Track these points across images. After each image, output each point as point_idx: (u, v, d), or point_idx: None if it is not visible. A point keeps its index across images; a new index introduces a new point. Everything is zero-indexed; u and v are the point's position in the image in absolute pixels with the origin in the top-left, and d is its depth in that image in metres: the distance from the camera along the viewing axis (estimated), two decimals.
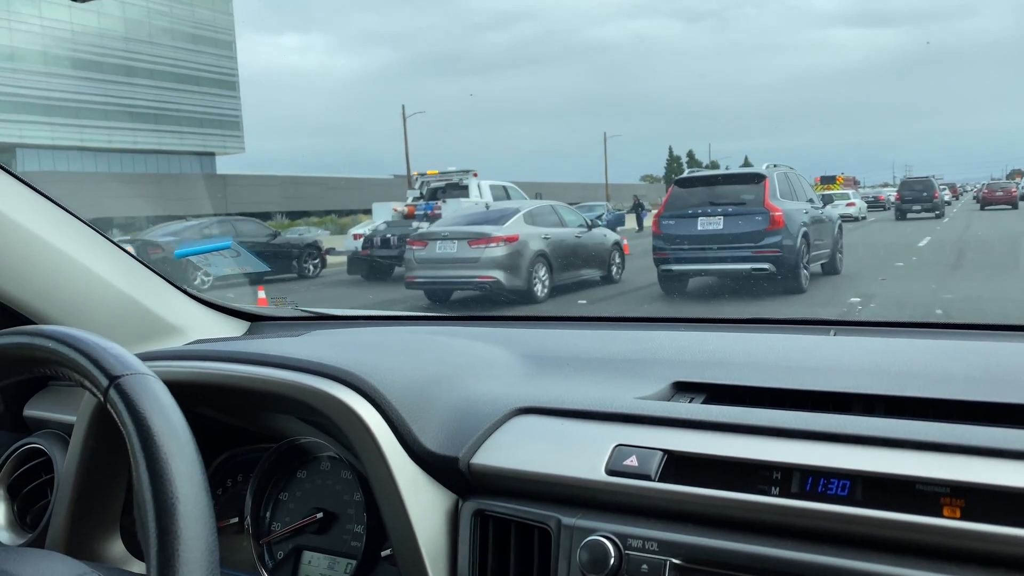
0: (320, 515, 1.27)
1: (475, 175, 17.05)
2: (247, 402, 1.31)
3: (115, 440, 1.15)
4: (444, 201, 16.05)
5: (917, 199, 23.42)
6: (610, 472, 0.99)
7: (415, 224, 14.53)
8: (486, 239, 10.67)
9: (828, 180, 30.55)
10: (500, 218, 11.39)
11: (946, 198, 29.18)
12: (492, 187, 17.22)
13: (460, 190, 16.84)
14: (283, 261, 15.47)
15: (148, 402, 0.82)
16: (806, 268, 10.21)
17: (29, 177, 1.49)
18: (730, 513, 0.92)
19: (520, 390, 1.20)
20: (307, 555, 1.30)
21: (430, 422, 1.14)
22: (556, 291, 11.03)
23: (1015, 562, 0.78)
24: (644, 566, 0.92)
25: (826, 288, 10.40)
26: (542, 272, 10.87)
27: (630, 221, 25.81)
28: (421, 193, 17.43)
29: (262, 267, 14.75)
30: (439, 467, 1.11)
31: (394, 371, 1.20)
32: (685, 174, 12.80)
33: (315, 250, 16.38)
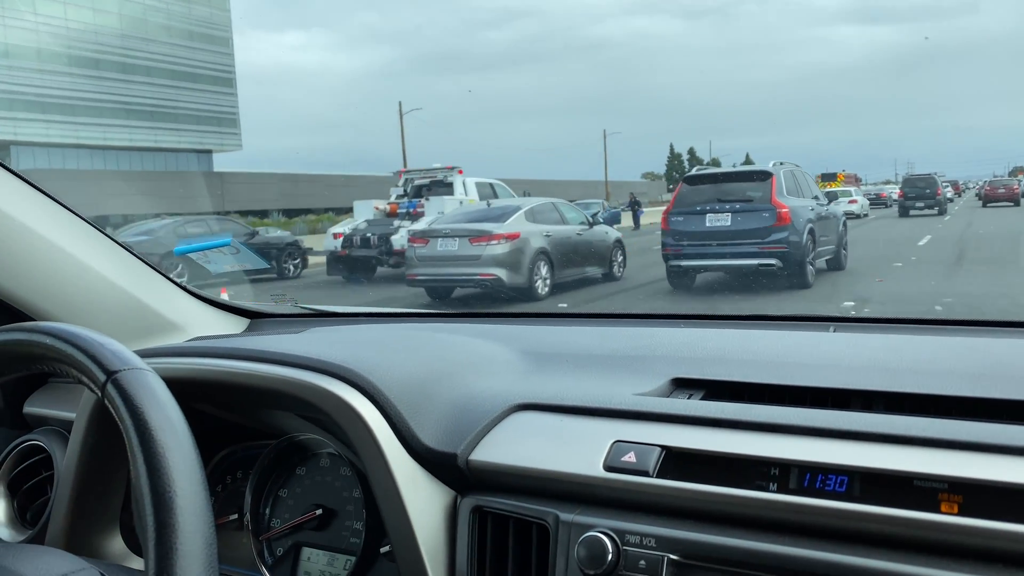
0: (319, 512, 1.27)
1: (460, 172, 16.58)
2: (246, 399, 1.31)
3: (115, 437, 1.15)
4: (427, 199, 15.66)
5: (920, 196, 23.45)
6: (608, 468, 0.99)
7: (396, 222, 14.24)
8: (487, 236, 10.66)
9: (829, 177, 30.53)
10: (501, 215, 11.36)
11: (948, 195, 29.16)
12: (478, 184, 16.72)
13: (445, 187, 16.38)
14: (263, 260, 14.92)
15: (145, 397, 0.82)
16: (812, 264, 10.28)
17: (27, 174, 1.48)
18: (728, 509, 0.92)
19: (519, 386, 1.20)
20: (306, 551, 1.30)
21: (429, 418, 1.14)
22: (557, 288, 11.01)
23: (1013, 558, 0.78)
24: (642, 562, 0.92)
25: (831, 284, 10.43)
26: (543, 270, 10.85)
27: (626, 219, 25.70)
28: (405, 191, 16.96)
29: (262, 264, 14.61)
30: (437, 463, 1.11)
31: (393, 368, 1.21)
32: (693, 171, 12.86)
33: (295, 249, 15.78)
